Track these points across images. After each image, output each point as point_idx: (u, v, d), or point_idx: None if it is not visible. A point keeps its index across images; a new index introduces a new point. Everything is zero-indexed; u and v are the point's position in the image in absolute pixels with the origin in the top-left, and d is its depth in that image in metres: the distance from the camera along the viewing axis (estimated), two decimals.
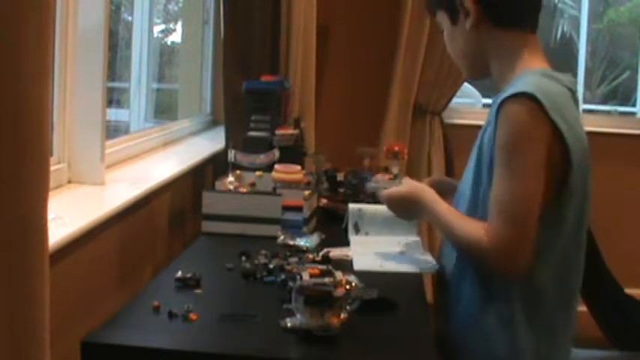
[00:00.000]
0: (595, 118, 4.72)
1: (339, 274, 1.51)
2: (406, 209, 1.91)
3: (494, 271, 1.65)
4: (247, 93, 2.67)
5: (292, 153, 2.54)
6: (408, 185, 1.92)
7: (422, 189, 1.86)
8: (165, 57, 4.47)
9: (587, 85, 5.93)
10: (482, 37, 1.74)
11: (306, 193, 2.28)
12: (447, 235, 1.76)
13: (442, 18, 1.82)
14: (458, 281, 1.78)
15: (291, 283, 1.61)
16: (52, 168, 1.74)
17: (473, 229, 1.64)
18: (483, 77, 1.87)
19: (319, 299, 1.44)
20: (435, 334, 1.84)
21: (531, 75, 1.67)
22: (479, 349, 1.72)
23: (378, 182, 2.13)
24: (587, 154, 1.68)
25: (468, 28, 1.73)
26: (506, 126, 1.59)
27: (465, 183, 1.84)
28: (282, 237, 2.08)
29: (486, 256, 1.60)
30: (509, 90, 1.63)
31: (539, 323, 1.68)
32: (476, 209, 1.71)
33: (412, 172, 3.98)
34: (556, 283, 1.70)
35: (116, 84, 3.63)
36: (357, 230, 2.26)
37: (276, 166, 2.37)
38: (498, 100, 1.63)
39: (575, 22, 6.24)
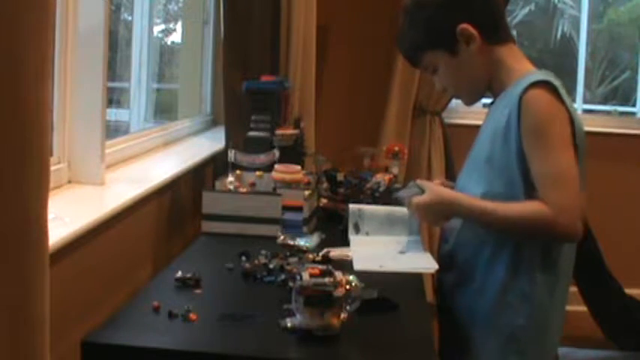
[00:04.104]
0: (595, 118, 4.72)
1: (339, 274, 1.51)
2: (442, 214, 1.88)
3: (562, 238, 1.73)
4: (247, 93, 2.67)
5: (292, 153, 2.54)
6: (434, 190, 1.89)
7: (449, 190, 1.88)
8: (165, 57, 4.46)
9: (587, 85, 5.93)
10: (485, 57, 1.82)
11: (306, 193, 2.28)
12: (496, 223, 1.76)
13: (435, 57, 1.86)
14: (477, 265, 1.83)
15: (291, 283, 1.61)
16: (52, 168, 1.74)
17: (529, 208, 1.70)
18: (480, 98, 1.97)
19: (319, 299, 1.44)
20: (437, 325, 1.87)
21: (537, 73, 1.79)
22: (499, 321, 1.79)
23: (404, 192, 2.03)
24: (585, 138, 1.79)
25: (474, 50, 1.80)
26: (533, 109, 1.70)
27: (466, 179, 1.86)
28: (282, 237, 2.08)
29: (554, 226, 1.67)
30: (522, 83, 1.73)
31: (554, 293, 1.80)
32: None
33: (412, 172, 3.98)
34: (566, 255, 1.82)
35: (116, 84, 3.63)
36: (357, 230, 2.26)
37: (276, 166, 2.37)
38: (517, 92, 1.72)
39: (575, 22, 6.23)
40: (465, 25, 1.79)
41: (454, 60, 1.83)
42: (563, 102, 1.70)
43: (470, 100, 1.96)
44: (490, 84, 1.87)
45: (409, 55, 1.93)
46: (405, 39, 1.91)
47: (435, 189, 1.89)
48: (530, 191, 1.71)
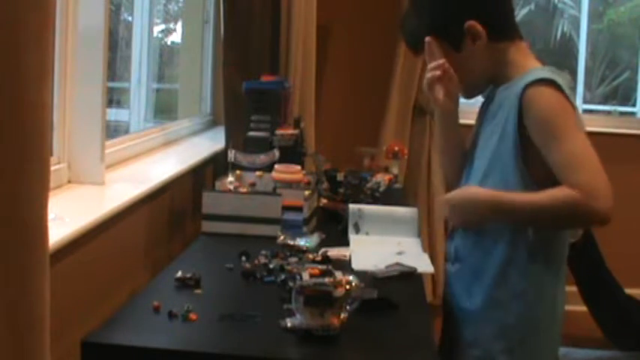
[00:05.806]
0: (595, 118, 4.72)
1: (339, 274, 1.51)
2: (475, 215, 1.79)
3: (596, 220, 1.68)
4: (247, 93, 2.67)
5: (292, 153, 2.54)
6: (469, 188, 1.82)
7: (468, 188, 1.82)
8: (165, 57, 4.47)
9: (587, 85, 5.93)
10: (489, 54, 1.79)
11: (306, 193, 2.28)
12: (524, 215, 1.70)
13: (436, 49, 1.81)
14: (470, 262, 1.81)
15: (291, 283, 1.61)
16: (52, 168, 1.74)
17: (555, 195, 1.64)
18: (480, 93, 1.94)
19: (319, 299, 1.44)
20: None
21: (540, 69, 1.76)
22: (489, 319, 1.77)
23: None
24: None
25: (479, 48, 1.77)
26: (538, 105, 1.67)
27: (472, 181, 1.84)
28: (282, 237, 2.08)
29: (586, 209, 1.61)
30: (524, 79, 1.70)
31: (547, 293, 1.77)
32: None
33: (412, 172, 3.99)
34: (558, 254, 1.79)
35: (116, 84, 3.64)
36: (357, 230, 2.26)
37: (276, 166, 2.37)
38: (517, 88, 1.69)
39: (575, 22, 6.23)
40: (472, 22, 1.75)
41: (457, 55, 1.79)
42: (567, 99, 1.68)
43: (468, 95, 1.94)
44: (494, 80, 1.83)
45: (411, 42, 1.89)
46: (410, 26, 1.88)
47: (469, 188, 1.81)
48: (527, 189, 1.69)
